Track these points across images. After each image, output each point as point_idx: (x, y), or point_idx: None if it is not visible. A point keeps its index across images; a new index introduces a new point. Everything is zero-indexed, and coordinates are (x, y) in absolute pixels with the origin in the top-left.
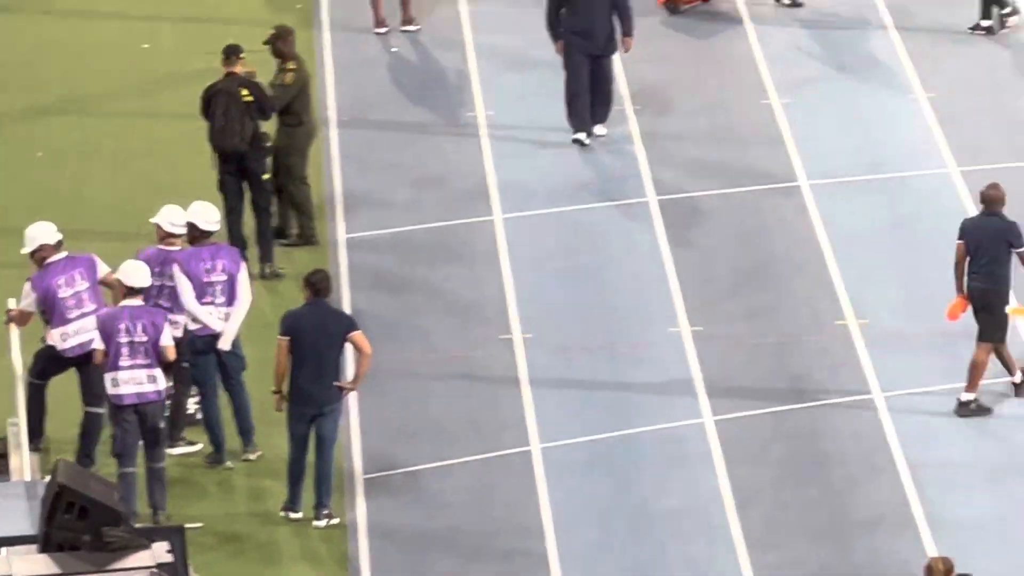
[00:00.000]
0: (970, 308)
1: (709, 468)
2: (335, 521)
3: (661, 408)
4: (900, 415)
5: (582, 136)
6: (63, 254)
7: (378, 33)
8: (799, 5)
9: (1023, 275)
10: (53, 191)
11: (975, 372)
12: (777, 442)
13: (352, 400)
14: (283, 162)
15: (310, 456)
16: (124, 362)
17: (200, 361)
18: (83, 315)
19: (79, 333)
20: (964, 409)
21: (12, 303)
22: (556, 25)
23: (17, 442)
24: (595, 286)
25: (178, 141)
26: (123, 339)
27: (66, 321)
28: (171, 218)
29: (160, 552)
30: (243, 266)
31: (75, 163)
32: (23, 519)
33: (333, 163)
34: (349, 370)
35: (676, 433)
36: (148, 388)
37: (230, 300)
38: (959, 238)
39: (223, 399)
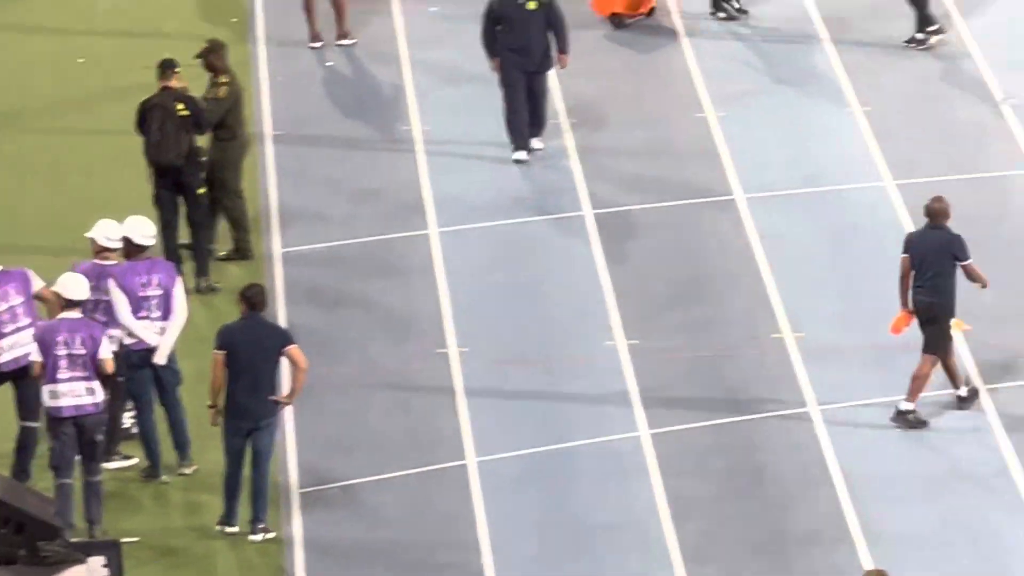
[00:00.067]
0: (915, 321)
1: (646, 481)
2: (271, 535)
3: (598, 421)
4: (837, 428)
5: (522, 155)
6: None
7: (313, 47)
8: (735, 19)
9: (968, 288)
10: None
11: (917, 383)
12: (714, 455)
13: (288, 414)
14: (217, 176)
15: (246, 470)
16: (63, 375)
17: (136, 375)
18: (18, 329)
19: (14, 348)
20: (901, 418)
21: None
22: (492, 42)
23: None
24: (531, 300)
25: (114, 155)
26: (61, 352)
27: (0, 336)
28: (106, 232)
29: (96, 567)
30: (178, 280)
31: (9, 178)
32: None
33: (268, 177)
34: (285, 384)
35: (613, 446)
36: (86, 400)
37: (165, 314)
38: (904, 252)
39: (159, 413)
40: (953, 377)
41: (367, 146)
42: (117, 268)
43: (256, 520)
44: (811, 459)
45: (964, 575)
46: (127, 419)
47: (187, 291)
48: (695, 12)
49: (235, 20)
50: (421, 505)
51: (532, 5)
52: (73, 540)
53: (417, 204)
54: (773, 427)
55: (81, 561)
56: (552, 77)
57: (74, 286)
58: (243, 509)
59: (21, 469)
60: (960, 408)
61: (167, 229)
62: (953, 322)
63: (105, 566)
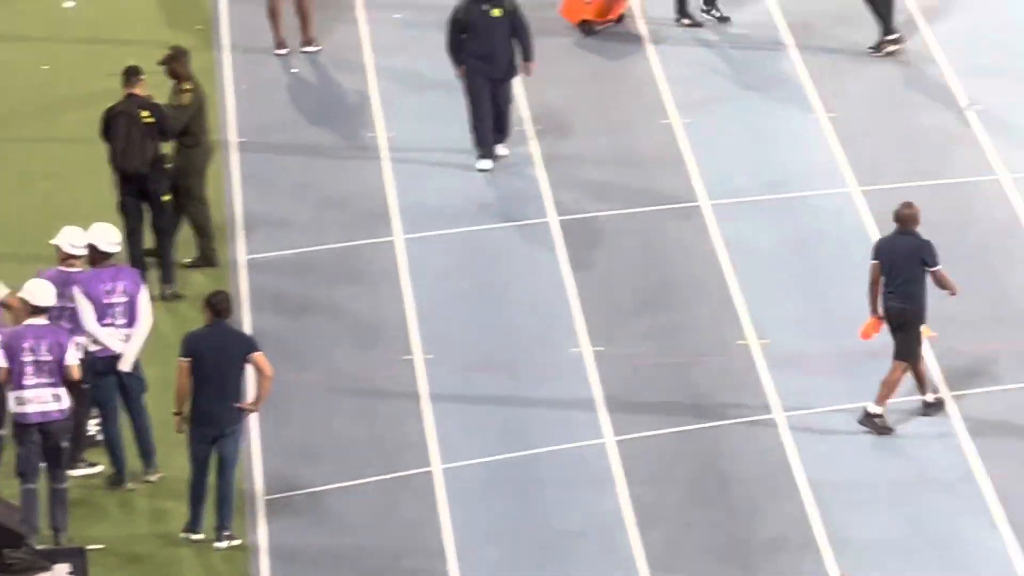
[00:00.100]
0: (884, 327)
1: (611, 488)
2: (237, 542)
3: (563, 428)
4: (803, 434)
5: (486, 164)
6: None
7: (278, 54)
8: (699, 25)
9: (935, 295)
10: None
11: (887, 388)
12: (679, 462)
13: (254, 421)
14: (182, 183)
15: (212, 477)
16: (29, 381)
17: (101, 382)
18: None
19: None
20: (869, 421)
21: None
22: (457, 50)
23: None
24: (497, 307)
25: (78, 163)
26: (27, 358)
27: None
28: (71, 240)
29: (61, 573)
30: (143, 287)
31: None
32: None
33: (233, 184)
34: (250, 391)
35: (578, 453)
36: (52, 407)
37: (131, 321)
38: (874, 257)
39: (124, 420)
40: (921, 383)
41: (332, 153)
42: (82, 275)
43: (222, 527)
44: (777, 465)
45: None
46: (92, 426)
47: (152, 298)
48: (661, 19)
49: (199, 27)
50: (386, 512)
51: (497, 12)
52: (39, 547)
53: (383, 211)
54: (739, 433)
55: (47, 568)
56: (518, 84)
57: (40, 293)
58: (209, 516)
59: None
60: (926, 414)
61: (132, 236)
62: (923, 328)
63: (71, 573)
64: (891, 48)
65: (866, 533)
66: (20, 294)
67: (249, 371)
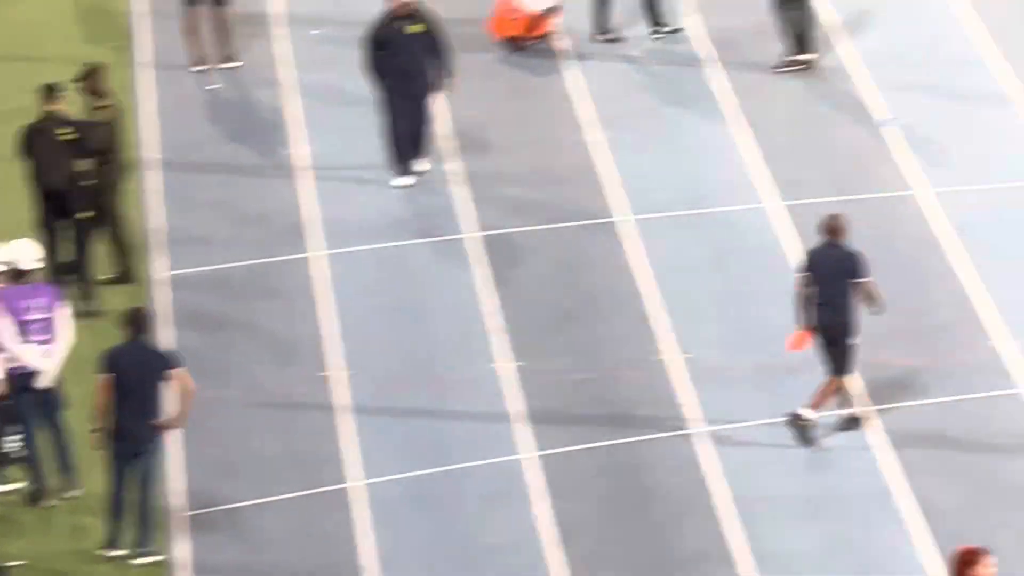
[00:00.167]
0: (815, 339)
1: (533, 503)
2: (157, 558)
3: (485, 443)
4: (723, 449)
5: (402, 182)
6: None
7: (196, 71)
8: (620, 40)
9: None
10: None
11: (821, 397)
12: (601, 477)
13: (174, 437)
14: (100, 200)
15: (131, 493)
16: None
17: (20, 399)
18: None
19: None
20: (796, 422)
21: None
22: (374, 67)
23: None
24: (417, 322)
25: None
26: None
27: None
28: None
29: None
30: (63, 304)
31: None
32: None
33: (152, 201)
34: (170, 407)
35: (500, 468)
36: None
37: (50, 338)
38: (803, 269)
39: (44, 437)
40: (843, 397)
41: (252, 169)
42: (2, 292)
43: (141, 543)
44: (697, 480)
45: None
46: (12, 443)
47: (71, 315)
48: (584, 35)
49: (117, 43)
50: (307, 528)
51: (413, 29)
52: None
53: (302, 227)
54: (659, 448)
55: None
56: (439, 100)
57: None
58: (129, 532)
59: None
60: (846, 429)
61: (51, 253)
62: (854, 341)
63: None
64: (796, 66)
65: (786, 547)
66: None
67: (169, 387)
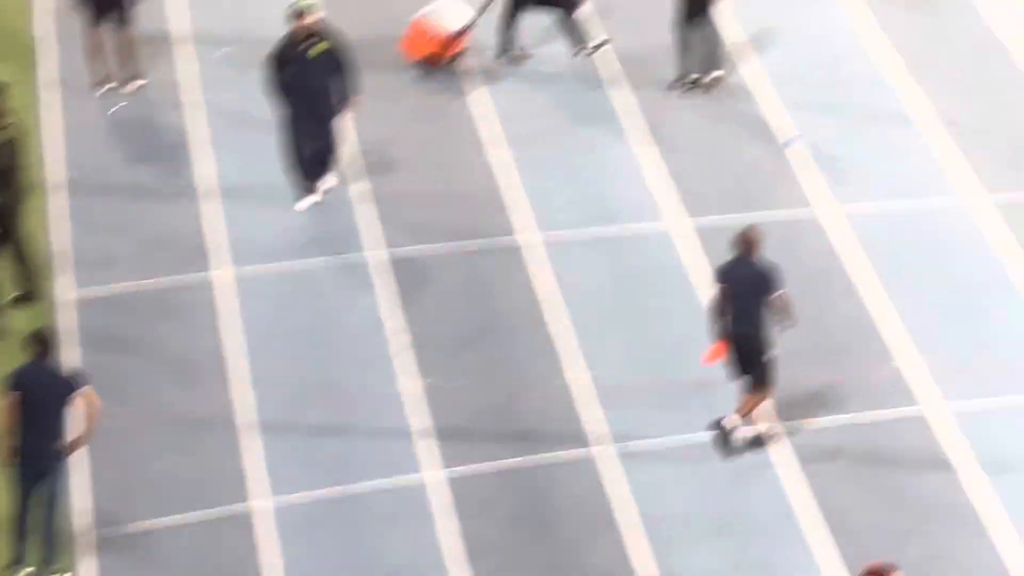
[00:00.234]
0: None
1: (438, 523)
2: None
3: (390, 462)
4: (629, 467)
5: (305, 204)
6: None
7: (102, 91)
8: (526, 59)
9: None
10: None
11: (747, 408)
12: (507, 496)
13: (80, 457)
14: (2, 220)
15: (37, 513)
16: None
17: None
18: None
19: None
20: (719, 431)
21: None
22: (277, 88)
23: None
24: (322, 342)
25: None
26: None
27: None
28: None
29: None
30: None
31: None
32: None
33: (56, 222)
34: (76, 427)
35: (406, 487)
36: None
37: None
38: (717, 281)
39: None
40: (753, 415)
41: (157, 190)
42: None
43: (47, 563)
44: (604, 499)
45: None
46: None
47: None
48: (492, 53)
49: (21, 63)
50: (212, 548)
51: (317, 49)
52: None
53: (208, 247)
54: (565, 467)
55: None
56: (345, 119)
57: None
58: (35, 552)
59: None
60: (754, 447)
61: None
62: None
63: None
64: (689, 87)
65: (693, 565)
66: None
67: (75, 407)
